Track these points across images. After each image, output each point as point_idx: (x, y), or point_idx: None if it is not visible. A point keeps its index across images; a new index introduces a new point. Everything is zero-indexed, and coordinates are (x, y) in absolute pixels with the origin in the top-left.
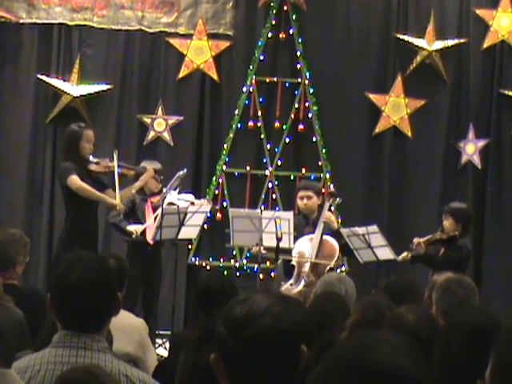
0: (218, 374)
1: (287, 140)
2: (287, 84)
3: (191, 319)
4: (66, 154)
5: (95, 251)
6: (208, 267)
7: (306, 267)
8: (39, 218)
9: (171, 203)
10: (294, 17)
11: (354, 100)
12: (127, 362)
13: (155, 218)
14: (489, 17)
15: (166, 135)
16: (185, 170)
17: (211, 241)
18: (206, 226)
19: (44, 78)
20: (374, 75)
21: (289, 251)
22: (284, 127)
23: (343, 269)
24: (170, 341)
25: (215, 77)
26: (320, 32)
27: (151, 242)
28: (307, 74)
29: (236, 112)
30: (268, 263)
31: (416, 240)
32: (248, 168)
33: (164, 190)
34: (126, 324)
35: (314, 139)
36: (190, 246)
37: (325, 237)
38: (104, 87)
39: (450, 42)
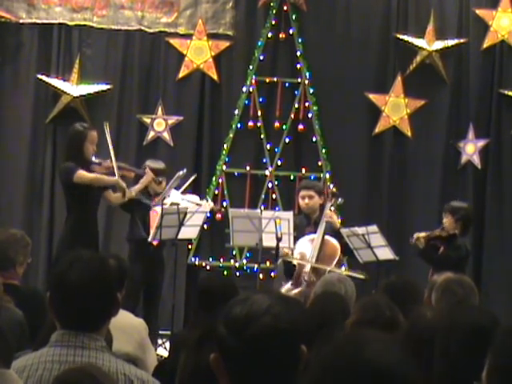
0: (218, 373)
1: (287, 140)
2: (287, 84)
3: (191, 319)
4: (69, 154)
5: (96, 251)
6: (208, 267)
7: (307, 267)
8: (39, 218)
9: (175, 203)
10: (293, 17)
11: (354, 100)
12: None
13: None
14: (489, 17)
15: (166, 135)
16: (184, 170)
17: (211, 241)
18: (205, 226)
19: (44, 77)
20: (374, 75)
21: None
22: (284, 127)
23: (343, 268)
24: (169, 341)
25: (215, 77)
26: (320, 32)
27: (154, 243)
28: (307, 74)
29: (236, 112)
30: (268, 263)
31: (416, 234)
32: (248, 168)
33: (174, 192)
34: (126, 324)
35: (314, 139)
36: (189, 246)
37: (326, 237)
38: (104, 87)
39: (450, 42)
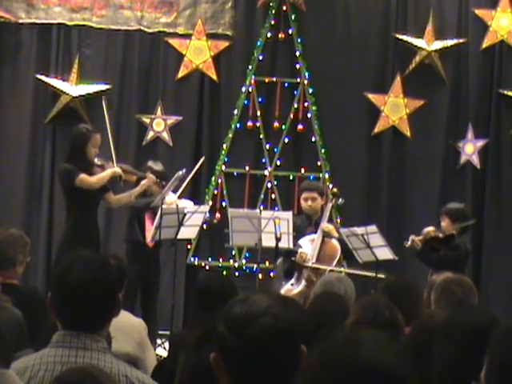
0: (218, 373)
1: (286, 140)
2: (286, 84)
3: (191, 319)
4: (71, 155)
5: (97, 251)
6: (207, 267)
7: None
8: (38, 218)
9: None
10: (293, 17)
11: (353, 100)
12: (126, 362)
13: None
14: (488, 17)
15: (165, 135)
16: (184, 171)
17: (210, 241)
18: (205, 226)
19: (43, 77)
20: (373, 75)
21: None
22: (283, 127)
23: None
24: (169, 341)
25: (214, 77)
26: (319, 32)
27: (150, 243)
28: (306, 74)
29: (235, 112)
30: (267, 263)
31: (411, 237)
32: (247, 168)
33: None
34: (126, 324)
35: (313, 139)
36: (189, 246)
37: (326, 237)
38: (103, 87)
39: (449, 42)
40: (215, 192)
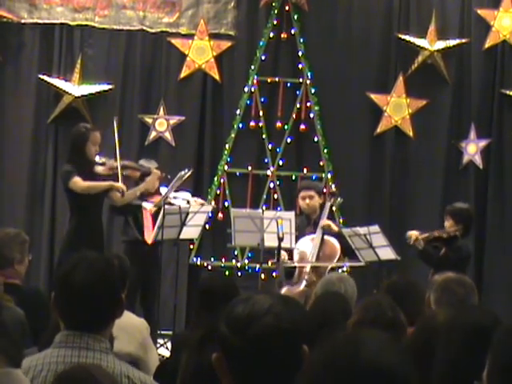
0: (220, 373)
1: (289, 140)
2: (289, 84)
3: (193, 319)
4: (71, 156)
5: (101, 252)
6: (209, 267)
7: (308, 267)
8: (41, 218)
9: (168, 202)
10: (295, 17)
11: (356, 100)
12: (128, 362)
13: (152, 216)
14: (490, 17)
15: (168, 135)
16: (186, 170)
17: (213, 241)
18: (207, 226)
19: (45, 77)
20: (376, 75)
21: (289, 251)
22: (285, 127)
23: (345, 268)
24: (171, 341)
25: (217, 77)
26: (321, 32)
27: (149, 242)
28: (309, 74)
29: (237, 112)
30: (269, 263)
31: (414, 235)
32: (249, 168)
33: (166, 190)
34: (128, 324)
35: (316, 139)
36: (191, 246)
37: (326, 237)
38: (105, 87)
39: (452, 42)
40: (218, 192)
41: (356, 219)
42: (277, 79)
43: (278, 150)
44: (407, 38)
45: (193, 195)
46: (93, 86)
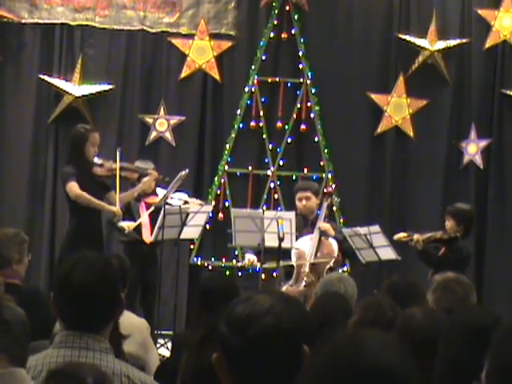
0: (221, 373)
1: (289, 140)
2: (289, 84)
3: (193, 319)
4: (71, 157)
5: (101, 252)
6: (210, 267)
7: (306, 267)
8: (41, 218)
9: (166, 203)
10: (295, 17)
11: (356, 100)
12: (129, 363)
13: (150, 216)
14: (491, 17)
15: (168, 135)
16: (187, 171)
17: (213, 241)
18: (208, 226)
19: (46, 77)
20: (376, 75)
21: (288, 251)
22: (286, 127)
23: (345, 268)
24: (172, 341)
25: (217, 77)
26: (322, 32)
27: (147, 241)
28: (309, 74)
29: (238, 112)
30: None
31: (415, 237)
32: (250, 168)
33: (165, 191)
34: (128, 324)
35: (316, 139)
36: (191, 246)
37: (323, 237)
38: (106, 87)
39: (452, 42)
40: (218, 192)
41: (356, 219)
42: (277, 79)
43: (278, 149)
44: (407, 37)
45: (193, 195)
46: (93, 86)
